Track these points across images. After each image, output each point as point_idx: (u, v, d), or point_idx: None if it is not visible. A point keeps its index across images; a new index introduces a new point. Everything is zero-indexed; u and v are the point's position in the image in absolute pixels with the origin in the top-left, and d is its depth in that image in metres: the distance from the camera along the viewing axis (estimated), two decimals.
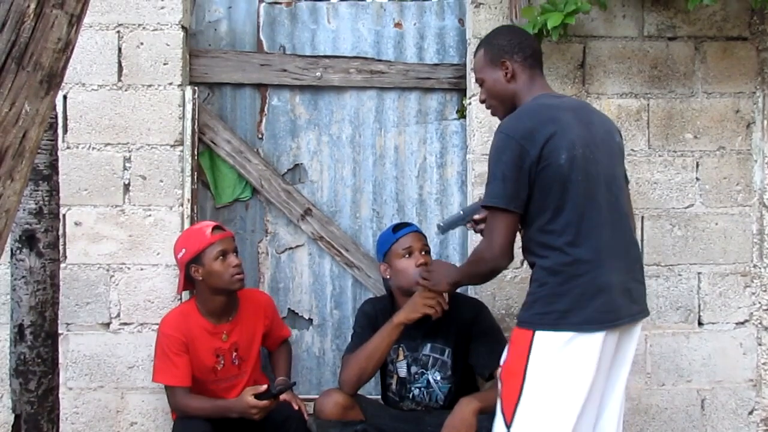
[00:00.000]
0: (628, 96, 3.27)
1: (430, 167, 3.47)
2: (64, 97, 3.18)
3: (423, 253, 2.92)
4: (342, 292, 3.48)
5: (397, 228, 3.00)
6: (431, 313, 2.79)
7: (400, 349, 2.96)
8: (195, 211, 3.24)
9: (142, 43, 3.20)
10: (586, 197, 2.22)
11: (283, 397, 2.93)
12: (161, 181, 3.21)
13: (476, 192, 3.16)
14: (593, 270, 2.19)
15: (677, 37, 3.28)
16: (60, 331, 2.53)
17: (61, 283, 2.46)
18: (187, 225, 3.17)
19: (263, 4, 3.46)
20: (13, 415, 2.34)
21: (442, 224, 2.70)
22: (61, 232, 2.77)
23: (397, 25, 3.47)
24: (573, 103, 2.42)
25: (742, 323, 3.31)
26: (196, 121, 3.24)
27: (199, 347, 2.94)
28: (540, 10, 3.00)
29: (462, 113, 3.43)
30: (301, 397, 3.13)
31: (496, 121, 2.44)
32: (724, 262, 3.30)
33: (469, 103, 3.28)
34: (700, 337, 3.30)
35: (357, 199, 3.48)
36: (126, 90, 3.21)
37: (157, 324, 3.02)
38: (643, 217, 3.28)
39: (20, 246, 2.32)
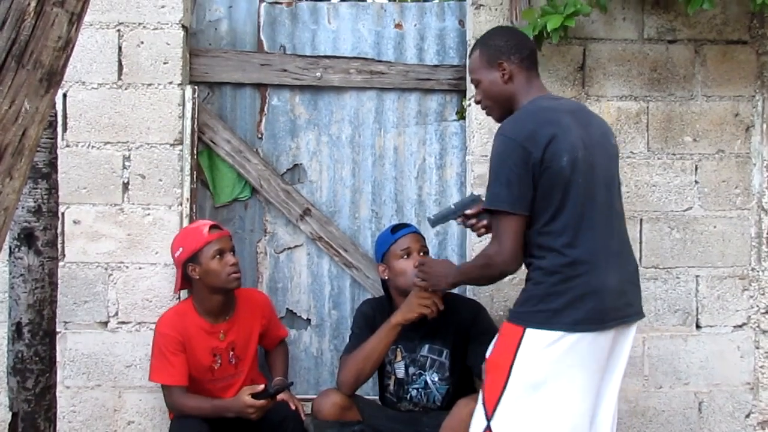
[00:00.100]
0: (628, 98, 3.28)
1: (430, 168, 3.47)
2: (64, 96, 3.18)
3: (421, 254, 2.93)
4: (340, 293, 3.48)
5: (396, 229, 3.00)
6: (427, 313, 2.80)
7: (398, 350, 2.96)
8: (194, 211, 3.24)
9: (142, 42, 3.20)
10: (586, 199, 2.23)
11: (280, 397, 2.93)
12: (160, 180, 3.21)
13: (475, 193, 3.16)
14: (589, 272, 2.20)
15: (677, 40, 3.29)
16: (58, 330, 2.53)
17: (59, 281, 2.46)
18: (186, 224, 3.17)
19: (264, 4, 3.46)
20: (11, 414, 2.34)
21: (433, 217, 2.71)
22: (59, 230, 2.77)
23: (398, 26, 3.47)
24: (571, 106, 2.43)
25: (740, 326, 3.31)
26: (196, 121, 3.24)
27: (196, 346, 2.94)
28: (540, 12, 3.01)
29: (462, 114, 3.43)
30: (298, 397, 3.14)
31: (496, 123, 2.44)
32: (723, 265, 3.30)
33: (469, 105, 3.28)
34: (698, 340, 3.30)
35: (356, 199, 3.48)
36: (126, 89, 3.21)
37: (155, 323, 3.02)
38: (641, 220, 3.28)
39: (19, 244, 2.32)
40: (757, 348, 3.31)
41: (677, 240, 3.29)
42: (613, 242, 2.29)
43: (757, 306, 3.30)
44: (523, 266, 2.32)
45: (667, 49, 3.28)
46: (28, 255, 2.32)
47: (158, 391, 3.03)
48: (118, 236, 3.20)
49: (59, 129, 3.12)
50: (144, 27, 3.20)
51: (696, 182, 3.30)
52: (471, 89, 3.20)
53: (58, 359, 2.47)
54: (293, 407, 2.98)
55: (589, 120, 2.37)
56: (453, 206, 2.68)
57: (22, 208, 2.30)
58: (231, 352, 3.01)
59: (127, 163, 3.21)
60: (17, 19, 1.41)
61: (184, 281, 2.99)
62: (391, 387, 3.01)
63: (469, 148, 3.32)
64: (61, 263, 3.07)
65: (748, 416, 3.31)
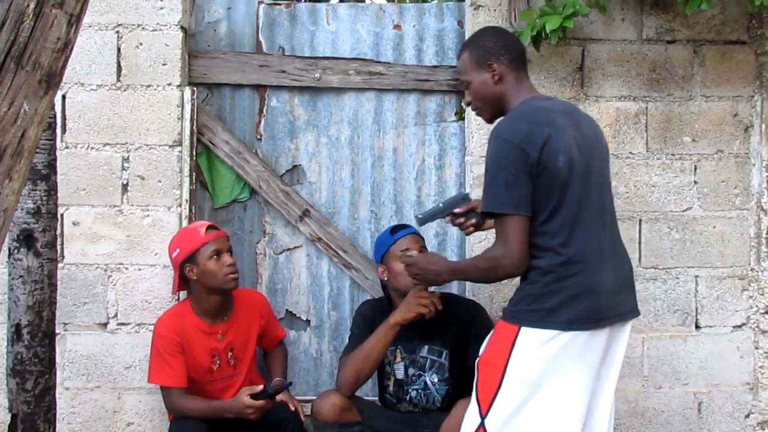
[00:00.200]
0: (627, 99, 3.28)
1: (429, 169, 3.47)
2: (63, 97, 3.18)
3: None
4: (340, 294, 3.48)
5: (395, 230, 3.00)
6: (425, 312, 2.80)
7: (398, 350, 2.96)
8: (193, 212, 3.24)
9: (141, 44, 3.20)
10: (581, 199, 2.24)
11: (279, 398, 2.93)
12: (159, 181, 3.21)
13: (474, 194, 3.16)
14: (584, 271, 2.21)
15: (676, 40, 3.29)
16: (57, 331, 2.53)
17: (58, 282, 2.46)
18: (185, 225, 3.17)
19: (262, 5, 3.46)
20: (10, 415, 2.34)
21: (421, 216, 2.70)
22: (59, 231, 2.77)
23: (397, 26, 3.47)
24: (562, 106, 2.44)
25: (740, 327, 3.31)
26: (195, 122, 3.24)
27: (194, 347, 2.94)
28: (539, 13, 3.01)
29: (461, 115, 3.43)
30: (298, 398, 3.13)
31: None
32: (722, 265, 3.30)
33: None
34: (697, 341, 3.31)
35: (355, 200, 3.48)
36: (125, 90, 3.21)
37: (154, 324, 3.02)
38: (641, 220, 3.28)
39: (18, 245, 2.32)
40: (757, 348, 3.31)
41: (676, 240, 3.29)
42: (607, 241, 2.30)
43: (757, 306, 3.30)
44: None
45: (665, 50, 3.29)
46: (27, 256, 2.32)
47: (158, 392, 3.03)
48: (118, 237, 3.20)
49: (58, 130, 3.12)
50: (143, 28, 3.20)
51: (695, 182, 3.30)
52: None
53: (57, 361, 2.47)
54: (293, 408, 2.97)
55: (581, 120, 2.38)
56: (441, 205, 2.67)
57: (22, 209, 2.30)
58: (229, 353, 3.00)
59: (126, 165, 3.21)
60: (16, 20, 1.41)
61: (182, 282, 2.99)
62: (391, 388, 3.01)
63: (468, 149, 3.32)
64: (60, 265, 3.06)
65: (747, 416, 3.31)
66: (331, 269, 3.47)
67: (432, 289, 2.88)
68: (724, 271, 3.31)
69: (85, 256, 3.20)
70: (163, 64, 3.20)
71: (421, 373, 2.96)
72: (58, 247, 2.76)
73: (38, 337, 2.34)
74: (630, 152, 3.27)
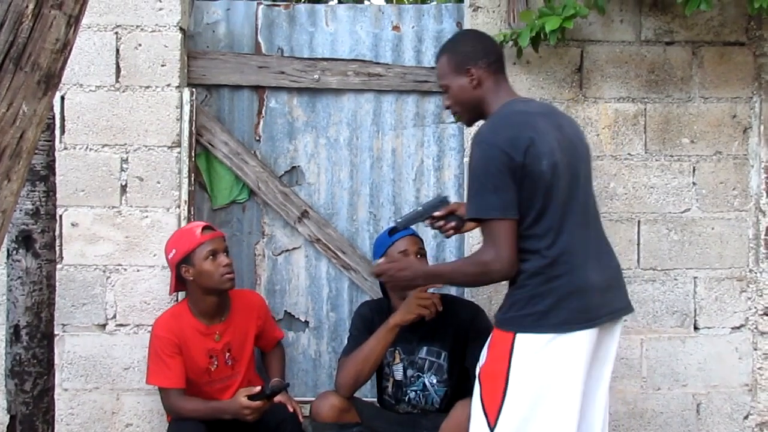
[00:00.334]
0: (626, 100, 3.28)
1: (428, 170, 3.47)
2: (62, 98, 3.18)
3: (418, 256, 2.93)
4: (338, 295, 3.48)
5: (393, 231, 2.99)
6: (425, 314, 2.81)
7: (397, 352, 2.96)
8: (192, 213, 3.24)
9: (140, 45, 3.20)
10: (565, 201, 2.25)
11: (278, 399, 2.93)
12: (158, 182, 3.21)
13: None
14: (570, 271, 2.22)
15: (674, 41, 3.29)
16: (56, 332, 2.53)
17: (57, 284, 2.46)
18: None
19: (261, 7, 3.46)
20: (9, 416, 2.34)
21: (400, 220, 2.70)
22: (57, 232, 2.77)
23: (395, 28, 3.47)
24: (542, 108, 2.44)
25: (738, 328, 3.31)
26: (194, 123, 3.24)
27: (192, 348, 2.94)
28: (538, 14, 3.01)
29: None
30: (296, 399, 3.13)
31: None
32: (720, 266, 3.31)
33: None
34: (696, 342, 3.31)
35: (354, 201, 3.48)
36: (124, 91, 3.20)
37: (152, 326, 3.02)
38: (639, 222, 3.29)
39: (17, 246, 2.32)
40: (755, 349, 3.31)
41: (675, 241, 3.30)
42: (591, 241, 2.30)
43: (755, 307, 3.30)
44: None
45: (664, 51, 3.29)
46: (26, 257, 2.32)
47: (156, 393, 3.03)
48: (116, 239, 3.20)
49: (57, 131, 3.11)
50: (142, 29, 3.20)
51: (694, 184, 3.30)
52: None
53: (56, 362, 2.47)
54: (291, 409, 2.97)
55: (562, 122, 2.39)
56: (420, 208, 2.67)
57: (20, 210, 2.29)
58: (227, 353, 3.00)
59: (125, 166, 3.21)
60: (15, 21, 1.41)
61: (179, 283, 2.99)
62: (390, 389, 3.01)
63: (467, 150, 3.32)
64: (59, 266, 3.06)
65: (746, 418, 3.31)
66: (330, 270, 3.47)
67: (431, 290, 2.88)
68: (722, 272, 3.31)
69: (84, 257, 3.20)
70: (162, 65, 3.20)
71: (420, 374, 2.96)
72: (57, 248, 2.76)
73: (37, 338, 2.33)
74: (629, 153, 3.27)
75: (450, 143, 3.46)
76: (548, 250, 2.21)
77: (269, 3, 3.47)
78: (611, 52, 3.27)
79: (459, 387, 2.92)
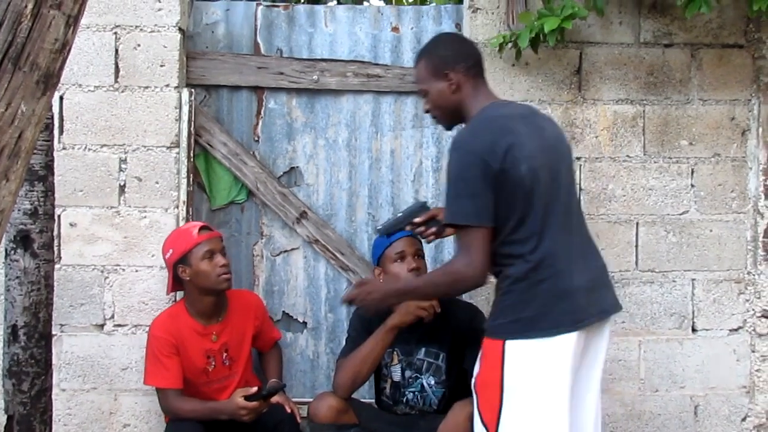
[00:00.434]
0: (624, 102, 3.28)
1: (426, 171, 3.47)
2: (61, 98, 3.18)
3: (416, 257, 2.93)
4: (337, 296, 3.47)
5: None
6: (424, 315, 2.81)
7: (395, 353, 2.96)
8: (190, 213, 3.24)
9: (139, 45, 3.20)
10: (547, 205, 2.23)
11: (275, 399, 2.93)
12: (157, 182, 3.21)
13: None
14: (556, 274, 2.21)
15: (673, 44, 3.29)
16: (54, 332, 2.52)
17: (55, 284, 2.45)
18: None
19: (261, 7, 3.46)
20: (6, 416, 2.33)
21: (381, 227, 2.69)
22: (55, 233, 2.77)
23: (395, 29, 3.47)
24: (522, 111, 2.42)
25: (736, 330, 3.31)
26: (193, 123, 3.24)
27: (189, 348, 2.94)
28: (537, 15, 3.01)
29: None
30: (294, 400, 3.13)
31: None
32: (719, 268, 3.31)
33: None
34: (694, 344, 3.31)
35: (353, 202, 3.48)
36: (122, 91, 3.20)
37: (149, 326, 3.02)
38: (638, 224, 3.29)
39: (15, 246, 2.32)
40: (753, 351, 3.31)
41: (673, 243, 3.30)
42: (575, 243, 2.29)
43: (753, 309, 3.30)
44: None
45: (663, 53, 3.29)
46: (24, 257, 2.32)
47: (154, 394, 3.03)
48: (115, 239, 3.20)
49: (56, 131, 3.11)
50: (141, 30, 3.20)
51: (692, 186, 3.30)
52: None
53: (53, 362, 2.46)
54: (289, 410, 2.97)
55: (542, 124, 2.38)
56: (401, 214, 2.66)
57: (18, 210, 2.29)
58: (224, 354, 3.00)
59: (123, 166, 3.21)
60: (14, 21, 1.41)
61: (176, 283, 2.99)
62: (388, 390, 3.01)
63: None
64: (57, 266, 3.06)
65: (744, 420, 3.32)
66: (328, 271, 3.47)
67: None
68: (720, 274, 3.31)
69: (82, 258, 3.20)
70: (161, 66, 3.20)
71: (418, 375, 2.96)
72: (55, 249, 2.76)
73: (35, 338, 2.33)
74: (627, 155, 3.27)
75: (449, 144, 3.45)
76: (531, 254, 2.20)
77: (268, 4, 3.47)
78: (610, 53, 3.27)
79: (457, 388, 2.92)
